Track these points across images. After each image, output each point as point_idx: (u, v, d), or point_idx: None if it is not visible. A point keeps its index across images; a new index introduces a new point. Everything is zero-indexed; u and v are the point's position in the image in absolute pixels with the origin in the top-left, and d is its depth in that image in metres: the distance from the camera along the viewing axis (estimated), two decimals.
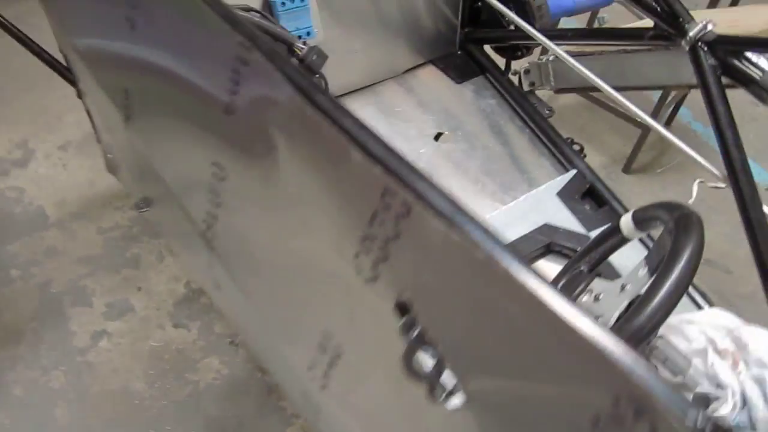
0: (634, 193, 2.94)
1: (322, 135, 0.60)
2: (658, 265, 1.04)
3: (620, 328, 0.94)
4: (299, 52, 1.37)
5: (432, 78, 1.82)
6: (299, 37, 1.40)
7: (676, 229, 1.00)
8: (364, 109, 1.71)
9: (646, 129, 2.92)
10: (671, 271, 0.94)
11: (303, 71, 0.64)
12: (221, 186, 0.76)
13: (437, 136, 1.65)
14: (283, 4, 1.37)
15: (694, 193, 1.34)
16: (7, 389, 2.10)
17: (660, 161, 3.08)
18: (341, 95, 1.73)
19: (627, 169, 3.06)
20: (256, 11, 1.36)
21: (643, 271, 1.08)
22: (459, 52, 1.88)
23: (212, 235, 0.83)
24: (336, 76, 1.64)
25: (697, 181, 1.33)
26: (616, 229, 1.18)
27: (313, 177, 0.64)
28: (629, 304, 1.09)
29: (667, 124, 3.22)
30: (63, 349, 2.20)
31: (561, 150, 1.59)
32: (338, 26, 1.59)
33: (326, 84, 1.55)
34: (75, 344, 2.21)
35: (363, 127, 0.59)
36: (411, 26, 1.75)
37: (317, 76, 1.45)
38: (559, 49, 1.48)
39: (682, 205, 1.04)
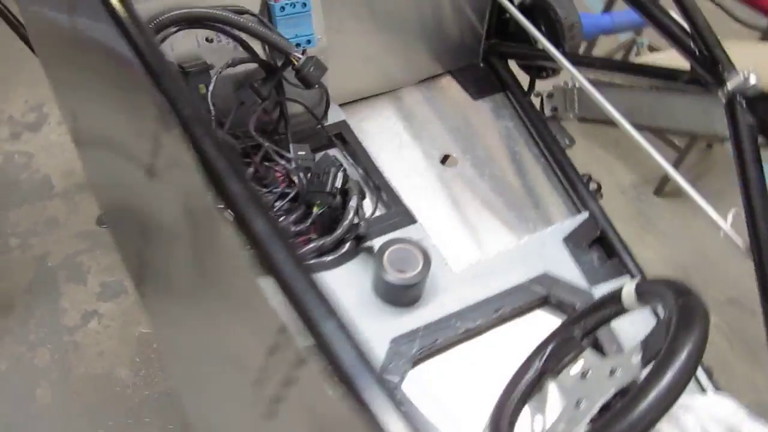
0: (663, 218, 2.79)
1: (225, 237, 0.50)
2: (653, 356, 0.93)
3: None
4: (296, 62, 1.26)
5: (448, 90, 1.69)
6: (298, 45, 1.29)
7: (678, 321, 0.88)
8: (376, 117, 1.60)
9: (684, 150, 2.75)
10: (663, 374, 0.83)
11: (224, 147, 0.54)
12: (146, 249, 0.67)
13: (444, 159, 1.53)
14: (283, 9, 1.25)
15: (729, 221, 1.21)
16: None
17: (696, 185, 2.90)
18: (353, 101, 1.62)
19: (659, 191, 2.90)
20: (252, 14, 1.25)
21: (636, 359, 0.96)
22: (481, 65, 1.75)
23: (142, 291, 0.75)
24: (346, 82, 1.54)
25: (733, 210, 1.19)
26: (616, 297, 1.07)
27: (216, 278, 0.54)
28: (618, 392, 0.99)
29: (708, 147, 3.04)
30: (52, 326, 2.17)
31: (575, 188, 1.46)
32: (348, 32, 1.48)
33: (327, 95, 1.44)
34: (65, 322, 2.18)
35: (276, 234, 0.49)
36: (431, 33, 1.62)
37: (316, 87, 1.34)
38: (584, 79, 1.34)
39: (690, 292, 0.92)
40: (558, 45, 1.52)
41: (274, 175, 1.33)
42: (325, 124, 1.49)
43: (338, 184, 1.25)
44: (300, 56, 1.26)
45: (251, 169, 1.33)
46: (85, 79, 0.78)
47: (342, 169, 1.28)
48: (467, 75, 1.72)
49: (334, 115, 1.52)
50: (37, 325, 2.17)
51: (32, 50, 1.51)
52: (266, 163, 1.36)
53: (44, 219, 2.43)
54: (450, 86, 1.70)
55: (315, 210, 1.24)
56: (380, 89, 1.64)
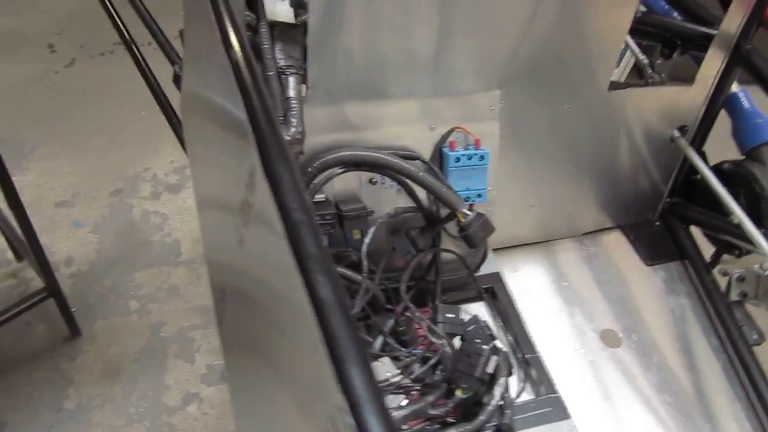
0: None
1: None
2: None
3: None
4: (462, 219, 1.12)
5: (617, 250, 1.50)
6: (467, 199, 1.16)
7: None
8: (531, 271, 1.43)
9: None
10: None
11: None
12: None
13: (604, 335, 1.34)
14: (458, 160, 1.13)
15: None
16: (89, 430, 2.04)
17: None
18: (508, 246, 1.46)
19: None
20: (423, 161, 1.14)
21: None
22: (657, 223, 1.55)
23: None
24: (503, 227, 1.39)
25: None
26: None
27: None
28: None
29: None
30: (153, 403, 2.11)
31: (763, 400, 1.22)
32: (518, 179, 1.34)
33: (487, 249, 1.30)
34: (165, 401, 2.12)
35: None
36: (607, 184, 1.45)
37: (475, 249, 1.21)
38: None
39: None
40: (760, 224, 1.31)
41: (414, 332, 1.19)
42: (477, 274, 1.34)
43: (490, 369, 1.08)
44: (468, 213, 1.12)
45: (392, 321, 1.19)
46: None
47: (496, 351, 1.11)
48: (640, 233, 1.52)
49: (488, 265, 1.37)
50: (138, 399, 2.11)
51: (183, 146, 1.50)
52: (407, 314, 1.22)
53: (167, 286, 2.42)
54: (619, 245, 1.51)
55: (458, 394, 1.08)
56: (537, 238, 1.47)
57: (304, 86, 0.97)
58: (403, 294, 1.14)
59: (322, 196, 1.13)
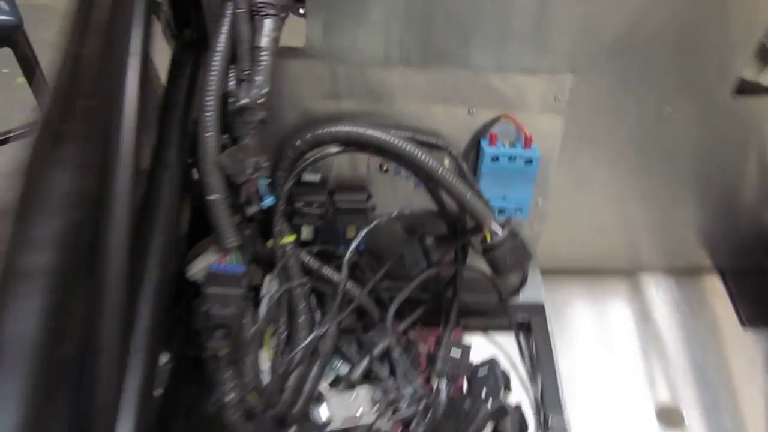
0: None
1: None
2: None
3: None
4: (489, 237, 0.84)
5: (709, 299, 1.16)
6: (501, 211, 0.88)
7: None
8: (588, 309, 1.14)
9: None
10: None
11: None
12: None
13: (665, 412, 1.03)
14: (496, 159, 0.85)
15: None
16: None
17: None
18: (565, 271, 1.16)
19: None
20: (450, 154, 0.86)
21: None
22: None
23: None
24: (561, 246, 1.09)
25: None
26: None
27: None
28: None
29: None
30: None
31: None
32: (588, 191, 1.03)
33: (526, 274, 1.01)
34: None
35: None
36: (711, 215, 1.11)
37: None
38: None
39: None
40: None
41: (417, 358, 0.94)
42: (514, 303, 1.07)
43: None
44: (497, 231, 0.84)
45: (386, 342, 0.95)
46: None
47: (501, 415, 0.85)
48: (746, 284, 1.17)
49: (531, 291, 1.08)
50: None
51: None
52: (410, 336, 0.99)
53: None
54: (713, 293, 1.17)
55: None
56: (604, 268, 1.16)
57: (281, 33, 0.72)
58: (389, 323, 0.89)
59: (317, 176, 0.89)
